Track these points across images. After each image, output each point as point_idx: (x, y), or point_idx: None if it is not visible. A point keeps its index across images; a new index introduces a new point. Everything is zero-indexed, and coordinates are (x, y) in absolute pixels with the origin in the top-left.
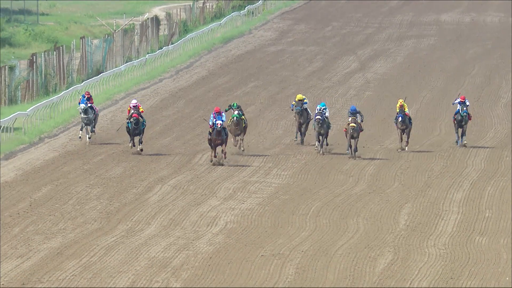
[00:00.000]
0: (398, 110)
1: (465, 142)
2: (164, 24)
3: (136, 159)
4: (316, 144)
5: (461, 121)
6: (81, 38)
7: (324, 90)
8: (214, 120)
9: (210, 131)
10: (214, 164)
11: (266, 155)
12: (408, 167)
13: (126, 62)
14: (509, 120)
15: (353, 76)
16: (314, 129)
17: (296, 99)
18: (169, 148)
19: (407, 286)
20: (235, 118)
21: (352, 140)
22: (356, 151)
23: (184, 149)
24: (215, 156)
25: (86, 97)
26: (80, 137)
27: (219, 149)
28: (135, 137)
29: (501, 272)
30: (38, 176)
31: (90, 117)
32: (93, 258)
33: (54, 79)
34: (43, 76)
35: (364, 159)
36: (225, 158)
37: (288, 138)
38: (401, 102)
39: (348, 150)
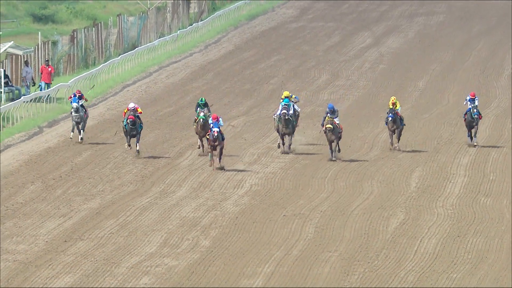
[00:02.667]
0: (389, 109)
1: (475, 143)
2: (194, 2)
3: (168, 127)
4: (279, 141)
5: (471, 122)
6: (117, 15)
7: (341, 64)
8: (211, 126)
9: (207, 136)
10: (210, 166)
11: None
12: (419, 134)
13: (159, 37)
14: (511, 91)
15: (368, 51)
16: (277, 129)
17: (282, 96)
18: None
19: (417, 243)
20: (201, 120)
21: (332, 143)
22: (339, 151)
23: None
24: (210, 161)
25: (77, 95)
26: (71, 138)
27: (215, 156)
28: (132, 138)
29: (504, 230)
30: (79, 143)
31: (81, 115)
32: (129, 218)
33: (93, 53)
34: (83, 50)
35: (344, 160)
36: (220, 162)
37: (309, 107)
38: (393, 100)
39: (330, 152)
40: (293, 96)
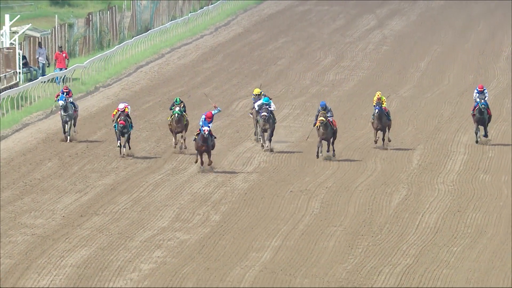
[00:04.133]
0: (374, 104)
1: (488, 138)
2: None
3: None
4: (261, 140)
5: (481, 114)
6: None
7: (346, 45)
8: (201, 126)
9: (196, 136)
10: (199, 172)
11: (294, 104)
12: (421, 113)
13: (171, 20)
14: (509, 71)
15: (372, 33)
16: (258, 125)
17: (254, 93)
18: (209, 96)
19: (419, 218)
20: (176, 115)
21: (324, 141)
22: (334, 154)
23: (222, 97)
24: (201, 164)
25: (64, 92)
26: (65, 137)
27: (205, 158)
28: (122, 137)
29: (502, 205)
30: (94, 121)
31: (70, 113)
32: (142, 193)
33: (108, 35)
34: (98, 32)
35: (338, 160)
36: (209, 165)
37: (315, 87)
38: (378, 95)
39: (318, 147)
40: (262, 93)
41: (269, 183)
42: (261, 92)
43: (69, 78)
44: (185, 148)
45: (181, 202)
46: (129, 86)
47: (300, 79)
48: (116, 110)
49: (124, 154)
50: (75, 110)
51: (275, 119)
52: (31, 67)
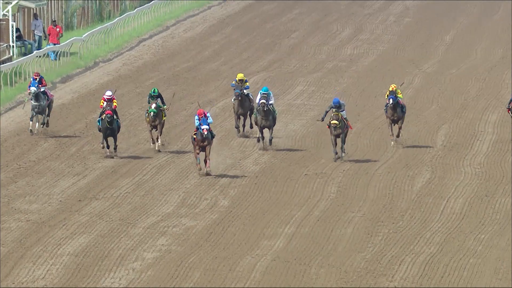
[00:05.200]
0: (387, 95)
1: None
2: None
3: (186, 83)
4: (259, 134)
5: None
6: None
7: (365, 17)
8: (199, 124)
9: (194, 136)
10: (202, 174)
11: (309, 80)
12: (445, 90)
13: None
14: None
15: (393, 4)
16: (255, 121)
17: (237, 78)
18: (218, 72)
19: (444, 203)
20: (152, 113)
21: (338, 139)
22: (344, 153)
23: (231, 73)
24: (204, 162)
25: (36, 79)
26: (30, 129)
27: (202, 156)
28: (108, 137)
29: None
30: (94, 99)
31: (42, 104)
32: (145, 177)
33: (108, 6)
34: (97, 3)
35: (349, 161)
36: (207, 166)
37: (331, 63)
38: (393, 87)
39: (333, 150)
40: (246, 83)
41: (282, 165)
42: (245, 80)
43: (67, 53)
44: (162, 145)
45: (187, 186)
46: (131, 61)
47: (315, 53)
48: (102, 100)
49: (111, 154)
50: (49, 101)
51: (275, 112)
52: (25, 41)
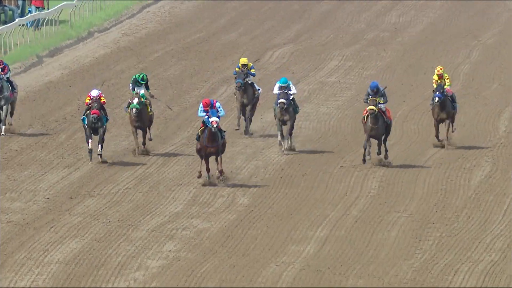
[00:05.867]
0: (435, 85)
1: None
2: None
3: (198, 57)
4: (279, 136)
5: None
6: None
7: None
8: (206, 117)
9: (199, 133)
10: (204, 185)
11: (345, 53)
12: (509, 66)
13: None
14: None
15: None
16: (275, 116)
17: (240, 63)
18: (236, 44)
19: (507, 201)
20: (134, 109)
21: (373, 136)
22: (386, 154)
23: (252, 45)
24: (207, 171)
25: None
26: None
27: (212, 162)
28: (94, 136)
29: None
30: (87, 76)
31: (5, 95)
32: (149, 170)
33: None
34: None
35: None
36: (221, 176)
37: (372, 33)
38: (439, 71)
39: (365, 148)
40: (250, 65)
41: (312, 156)
42: (251, 67)
43: (55, 21)
44: (146, 147)
45: (199, 180)
46: (132, 31)
47: (352, 22)
48: (88, 98)
49: (98, 155)
50: (13, 92)
51: (297, 107)
52: (6, 6)
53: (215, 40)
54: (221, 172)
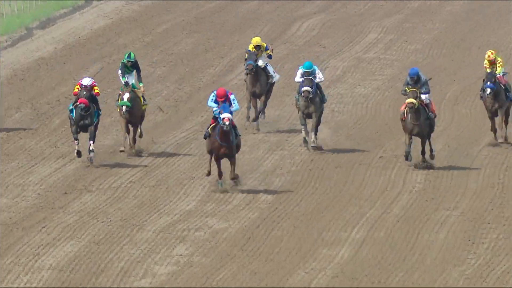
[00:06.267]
0: (487, 72)
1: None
2: None
3: (213, 29)
4: (303, 132)
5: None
6: None
7: None
8: (217, 110)
9: (210, 131)
10: (222, 191)
11: (385, 25)
12: None
13: None
14: None
15: None
16: (298, 108)
17: (252, 44)
18: (258, 13)
19: None
20: (124, 107)
21: (415, 135)
22: (433, 155)
23: (276, 15)
24: (219, 176)
25: None
26: None
27: (225, 166)
28: (83, 132)
29: None
30: (84, 51)
31: None
32: (156, 161)
33: None
34: None
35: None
36: (234, 181)
37: (417, 1)
38: (489, 56)
39: (407, 150)
40: (264, 45)
41: (347, 144)
42: (266, 47)
43: None
44: (139, 151)
45: (215, 172)
46: None
47: None
48: (77, 87)
49: (88, 156)
50: None
51: (324, 96)
52: None
53: (233, 9)
54: (235, 178)
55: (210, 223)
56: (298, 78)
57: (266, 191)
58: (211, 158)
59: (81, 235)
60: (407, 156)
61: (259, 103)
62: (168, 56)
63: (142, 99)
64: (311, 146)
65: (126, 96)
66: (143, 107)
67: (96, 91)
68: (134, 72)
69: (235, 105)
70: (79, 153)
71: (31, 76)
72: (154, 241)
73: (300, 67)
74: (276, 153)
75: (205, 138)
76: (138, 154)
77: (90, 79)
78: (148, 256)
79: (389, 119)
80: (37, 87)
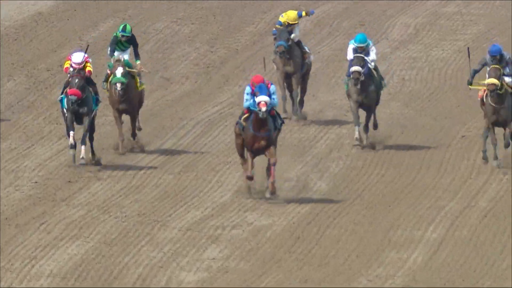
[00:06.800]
0: None
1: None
2: None
3: None
4: (356, 131)
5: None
6: None
7: None
8: (253, 101)
9: (242, 122)
10: (254, 194)
11: None
12: None
13: None
14: None
15: None
16: (348, 95)
17: (283, 18)
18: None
19: None
20: (118, 84)
21: (497, 123)
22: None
23: None
24: (248, 178)
25: None
26: None
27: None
28: (78, 124)
29: None
30: (93, 4)
31: None
32: (183, 141)
33: None
34: None
35: None
36: (272, 190)
37: None
38: None
39: (484, 147)
40: (297, 20)
41: (421, 121)
42: (296, 22)
43: None
44: (140, 146)
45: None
46: None
47: None
48: (67, 62)
49: (83, 160)
50: None
51: (382, 79)
52: None
53: None
54: (272, 186)
55: (250, 219)
56: (351, 55)
57: (319, 179)
58: (245, 161)
59: (89, 234)
60: (484, 152)
61: (295, 88)
62: (197, 11)
63: (138, 80)
64: (365, 146)
65: (119, 71)
66: (140, 88)
67: (88, 68)
68: (129, 49)
69: (274, 99)
70: (73, 147)
71: (27, 36)
72: (180, 242)
73: (350, 41)
74: (331, 131)
75: (240, 128)
76: (141, 150)
77: (82, 54)
78: (172, 260)
79: (474, 90)
80: (34, 50)
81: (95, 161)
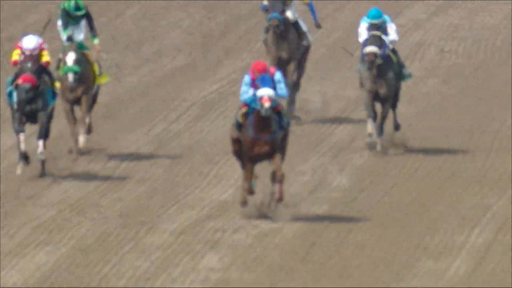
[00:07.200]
0: None
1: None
2: None
3: None
4: (369, 124)
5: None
6: None
7: None
8: (252, 91)
9: (240, 120)
10: (259, 214)
11: None
12: None
13: None
14: None
15: None
16: (361, 83)
17: None
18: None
19: None
20: (70, 75)
21: None
22: None
23: None
24: (248, 191)
25: None
26: None
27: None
28: (30, 122)
29: None
30: None
31: None
32: (174, 126)
33: None
34: None
35: None
36: (278, 200)
37: None
38: None
39: None
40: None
41: (462, 101)
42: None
43: None
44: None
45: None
46: None
47: None
48: (16, 52)
49: (42, 156)
50: None
51: (402, 67)
52: None
53: None
54: (280, 195)
55: (255, 222)
56: (364, 35)
57: (339, 173)
58: (243, 163)
59: (60, 239)
60: None
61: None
62: None
63: (97, 66)
64: (378, 145)
65: (71, 57)
66: (98, 81)
67: (45, 58)
68: (83, 23)
69: (282, 89)
70: (24, 157)
71: (25, 5)
72: (171, 248)
73: (362, 18)
74: (354, 115)
75: (237, 127)
76: (81, 153)
77: (35, 38)
78: (162, 270)
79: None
80: (31, 16)
81: (42, 163)
